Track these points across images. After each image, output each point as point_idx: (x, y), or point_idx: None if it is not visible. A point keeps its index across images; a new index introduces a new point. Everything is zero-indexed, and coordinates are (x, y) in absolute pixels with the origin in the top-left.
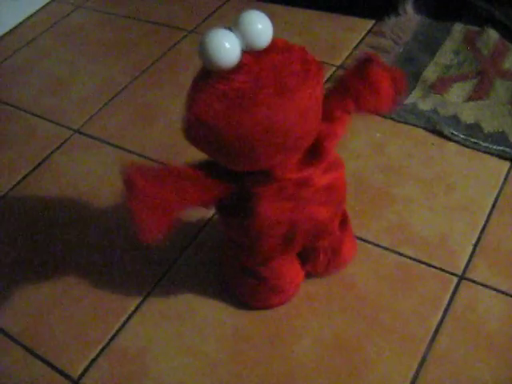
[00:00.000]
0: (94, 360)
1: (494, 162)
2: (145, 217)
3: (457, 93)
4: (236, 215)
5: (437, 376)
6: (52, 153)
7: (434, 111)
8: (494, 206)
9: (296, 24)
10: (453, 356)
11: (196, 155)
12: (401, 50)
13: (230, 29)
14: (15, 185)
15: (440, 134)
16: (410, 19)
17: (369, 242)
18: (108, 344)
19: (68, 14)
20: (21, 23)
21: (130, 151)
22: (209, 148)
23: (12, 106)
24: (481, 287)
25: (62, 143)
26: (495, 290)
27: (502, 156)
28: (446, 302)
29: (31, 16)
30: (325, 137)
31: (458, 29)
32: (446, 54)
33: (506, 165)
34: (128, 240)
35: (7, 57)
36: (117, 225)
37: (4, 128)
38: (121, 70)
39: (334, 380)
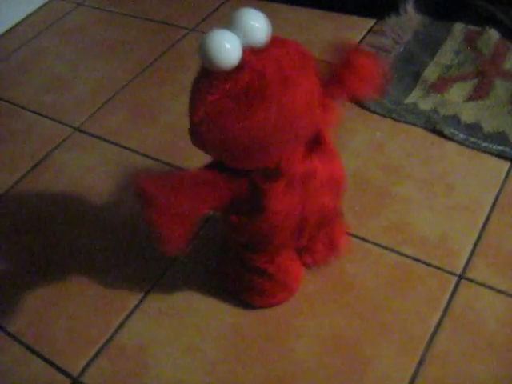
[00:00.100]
0: (93, 358)
1: (493, 161)
2: (167, 228)
3: (457, 92)
4: (246, 214)
5: (435, 375)
6: (52, 151)
7: (434, 111)
8: (493, 205)
9: (297, 23)
10: (451, 355)
11: (195, 153)
12: (401, 50)
13: (228, 28)
14: (15, 182)
15: (440, 134)
16: (410, 19)
17: (368, 242)
18: (108, 342)
19: (68, 12)
20: (21, 21)
21: (129, 149)
22: (219, 149)
23: (12, 103)
24: (480, 287)
25: (62, 141)
26: (494, 289)
27: (501, 156)
28: (445, 301)
29: (31, 14)
30: (321, 126)
31: (459, 28)
32: (446, 54)
33: (505, 165)
34: (128, 238)
35: (8, 55)
36: (116, 222)
37: (4, 125)
38: (121, 68)
39: (332, 379)
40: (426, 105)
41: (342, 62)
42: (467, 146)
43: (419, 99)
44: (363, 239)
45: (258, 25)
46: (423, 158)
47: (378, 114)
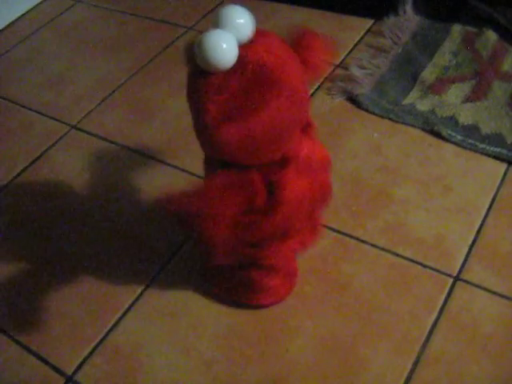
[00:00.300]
0: (87, 357)
1: (491, 163)
2: (216, 239)
3: (455, 94)
4: (261, 212)
5: (431, 376)
6: (49, 148)
7: (432, 112)
8: (490, 207)
9: (296, 22)
10: (447, 357)
11: (191, 152)
12: (399, 50)
13: (217, 27)
14: (12, 180)
15: (437, 135)
16: (409, 19)
17: (365, 242)
18: (102, 341)
19: (66, 10)
20: (19, 18)
21: (127, 147)
22: (238, 148)
23: (10, 100)
24: (476, 288)
25: (59, 139)
26: (490, 291)
27: (498, 158)
28: (441, 302)
29: (29, 11)
30: None
31: (457, 30)
32: (444, 55)
33: (502, 166)
34: (123, 237)
35: (5, 52)
36: (113, 221)
37: (1, 123)
38: (119, 66)
39: (328, 379)
40: (423, 106)
41: (301, 45)
42: (465, 148)
43: (417, 100)
44: (360, 240)
45: (244, 21)
46: (420, 159)
47: (375, 114)
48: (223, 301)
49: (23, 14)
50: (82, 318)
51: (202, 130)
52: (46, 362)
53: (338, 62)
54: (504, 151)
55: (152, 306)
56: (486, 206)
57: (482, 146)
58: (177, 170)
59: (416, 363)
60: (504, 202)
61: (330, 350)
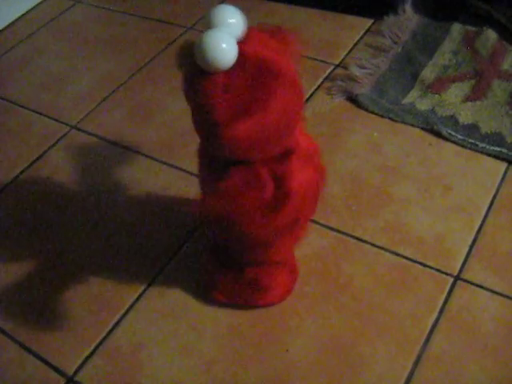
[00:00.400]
0: (88, 357)
1: (490, 162)
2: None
3: (455, 93)
4: (270, 209)
5: (431, 376)
6: (49, 149)
7: (432, 111)
8: (490, 206)
9: (295, 22)
10: (447, 356)
11: (191, 152)
12: (399, 50)
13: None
14: (12, 180)
15: (437, 134)
16: (408, 19)
17: (365, 242)
18: (103, 341)
19: (66, 10)
20: (19, 18)
21: (127, 148)
22: (252, 144)
23: (9, 101)
24: (476, 288)
25: (59, 139)
26: (490, 290)
27: (498, 157)
28: (441, 302)
29: (29, 11)
30: None
31: (457, 29)
32: (444, 54)
33: (502, 166)
34: (123, 237)
35: (5, 52)
36: (113, 221)
37: (1, 123)
38: (119, 67)
39: (328, 379)
40: (423, 105)
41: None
42: (464, 147)
43: (417, 99)
44: (360, 239)
45: (235, 20)
46: (420, 158)
47: (375, 114)
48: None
49: (23, 14)
50: (83, 318)
51: (212, 130)
52: (47, 363)
53: (337, 61)
54: (504, 150)
55: (152, 307)
56: (486, 206)
57: (482, 145)
58: (177, 170)
59: (416, 363)
60: (504, 201)
61: (330, 350)
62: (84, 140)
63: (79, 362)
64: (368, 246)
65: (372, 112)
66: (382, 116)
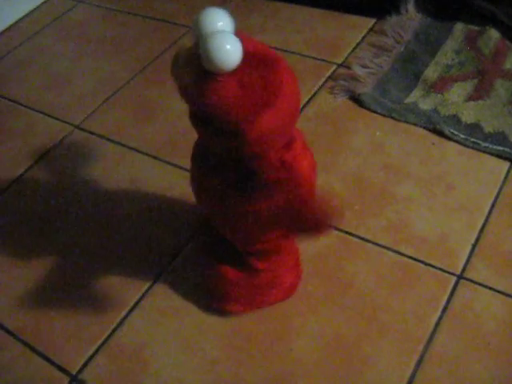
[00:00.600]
0: (92, 356)
1: (493, 162)
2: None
3: (457, 92)
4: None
5: (434, 375)
6: (52, 148)
7: (435, 110)
8: (493, 205)
9: (298, 22)
10: (450, 355)
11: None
12: (402, 49)
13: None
14: (16, 179)
15: (440, 134)
16: (411, 18)
17: (368, 241)
18: (107, 340)
19: (69, 10)
20: (22, 18)
21: (129, 147)
22: (273, 135)
23: (13, 101)
24: (479, 287)
25: (62, 139)
26: (493, 289)
27: (501, 156)
28: (444, 301)
29: (32, 11)
30: None
31: (460, 28)
32: (447, 54)
33: (505, 165)
34: (127, 236)
35: (8, 52)
36: (116, 220)
37: (4, 123)
38: (121, 66)
39: (332, 378)
40: (426, 104)
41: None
42: (467, 146)
43: (419, 99)
44: (363, 238)
45: (223, 23)
46: (423, 157)
47: (378, 113)
48: None
49: (26, 15)
50: (87, 317)
51: (235, 131)
52: (51, 362)
53: (340, 61)
54: (507, 150)
55: (156, 306)
56: (489, 205)
57: (484, 144)
58: (180, 170)
59: (419, 362)
60: (507, 200)
61: (334, 349)
62: (87, 140)
63: (83, 360)
64: (371, 246)
65: (375, 111)
66: (384, 115)
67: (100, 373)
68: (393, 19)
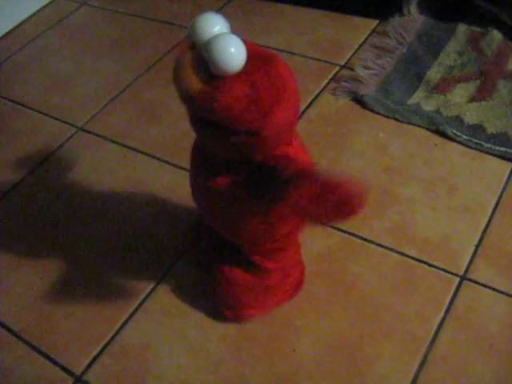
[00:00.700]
0: (96, 357)
1: (496, 162)
2: None
3: (460, 93)
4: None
5: (437, 376)
6: (56, 150)
7: (437, 112)
8: (496, 206)
9: (301, 23)
10: (453, 356)
11: None
12: (404, 50)
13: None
14: (20, 181)
15: (443, 135)
16: (414, 19)
17: (371, 242)
18: (111, 341)
19: (73, 12)
20: (25, 20)
21: (133, 149)
22: (286, 128)
23: (17, 102)
24: (482, 288)
25: (66, 140)
26: (497, 290)
27: (504, 157)
28: (447, 302)
29: (36, 13)
30: None
31: (462, 29)
32: (449, 55)
33: (508, 166)
34: (131, 237)
35: (12, 54)
36: (120, 221)
37: (8, 125)
38: (125, 68)
39: (335, 379)
40: (429, 106)
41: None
42: (470, 147)
43: (422, 100)
44: (366, 239)
45: (219, 27)
46: (426, 158)
47: (381, 114)
48: None
49: (29, 16)
50: (91, 317)
51: (253, 127)
52: (55, 362)
53: (343, 62)
54: (510, 151)
55: (160, 306)
56: (492, 206)
57: (487, 145)
58: (183, 171)
59: (422, 363)
60: (510, 200)
61: (337, 350)
62: (91, 141)
63: (87, 361)
64: (374, 246)
65: (377, 113)
66: (387, 117)
67: (104, 373)
68: (395, 20)
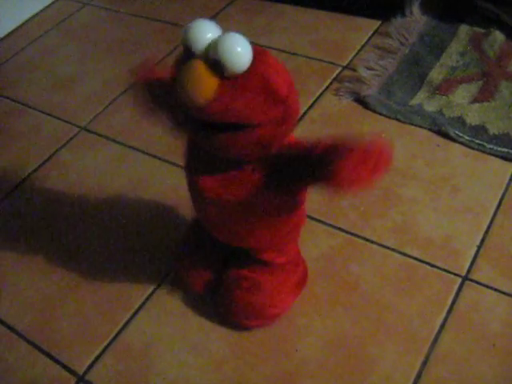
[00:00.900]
0: (99, 356)
1: (498, 163)
2: None
3: (462, 94)
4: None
5: (439, 376)
6: (59, 149)
7: (440, 112)
8: (498, 207)
9: (303, 24)
10: (455, 356)
11: None
12: (407, 51)
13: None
14: (22, 180)
15: (445, 136)
16: (416, 20)
17: (373, 242)
18: (113, 340)
19: (75, 12)
20: (28, 20)
21: (135, 148)
22: (298, 110)
23: (19, 102)
24: (484, 288)
25: (69, 140)
26: (498, 291)
27: (506, 158)
28: (449, 302)
29: (38, 13)
30: None
31: (464, 30)
32: (451, 56)
33: (510, 167)
34: (133, 236)
35: (15, 54)
36: (122, 221)
37: (11, 124)
38: (127, 68)
39: (337, 378)
40: (431, 106)
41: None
42: (472, 148)
43: (424, 101)
44: (368, 240)
45: (211, 34)
46: (428, 159)
47: (383, 115)
48: None
49: (32, 16)
50: (94, 317)
51: (278, 116)
52: (58, 362)
53: (345, 63)
54: (511, 151)
55: (163, 306)
56: (494, 206)
57: (489, 146)
58: None
59: (425, 363)
60: None
61: (339, 350)
62: (93, 141)
63: (90, 361)
64: (376, 247)
65: (380, 113)
66: (389, 117)
67: (106, 373)
68: (398, 21)
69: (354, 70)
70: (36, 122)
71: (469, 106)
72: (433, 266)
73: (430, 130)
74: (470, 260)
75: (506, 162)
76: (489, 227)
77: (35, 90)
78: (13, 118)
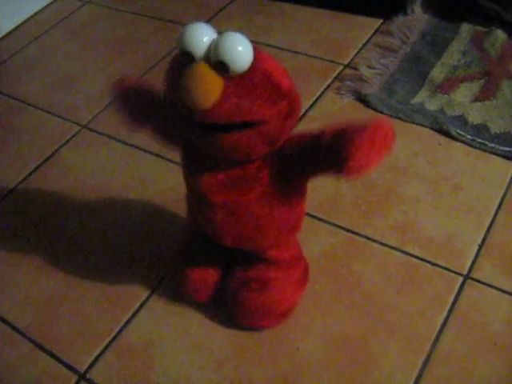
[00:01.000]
0: (100, 354)
1: (500, 162)
2: None
3: (464, 93)
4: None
5: (441, 374)
6: (60, 148)
7: (441, 111)
8: (499, 206)
9: (305, 22)
10: (457, 355)
11: None
12: (408, 50)
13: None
14: (23, 179)
15: (447, 134)
16: (417, 19)
17: (375, 241)
18: (114, 338)
19: (76, 10)
20: (29, 19)
21: (136, 147)
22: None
23: (21, 101)
24: (486, 287)
25: (70, 138)
26: (500, 290)
27: (508, 157)
28: (450, 301)
29: (39, 11)
30: None
31: (466, 29)
32: (453, 54)
33: None
34: (134, 235)
35: (16, 52)
36: (123, 220)
37: (13, 123)
38: (129, 67)
39: (338, 377)
40: (432, 105)
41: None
42: (474, 147)
43: (426, 99)
44: (370, 239)
45: (208, 37)
46: (430, 158)
47: (384, 114)
48: None
49: (33, 15)
50: (95, 315)
51: (288, 107)
52: (59, 360)
53: (346, 61)
54: None
55: (164, 304)
56: (496, 205)
57: (491, 145)
58: None
59: (426, 361)
60: None
61: (341, 348)
62: (94, 139)
63: (91, 359)
64: (378, 245)
65: (381, 112)
66: (391, 116)
67: (108, 371)
68: (399, 20)
69: (356, 69)
70: (37, 121)
71: (470, 104)
72: (434, 264)
73: (431, 128)
74: (471, 259)
75: (507, 161)
76: (490, 226)
77: (36, 88)
78: (14, 116)
